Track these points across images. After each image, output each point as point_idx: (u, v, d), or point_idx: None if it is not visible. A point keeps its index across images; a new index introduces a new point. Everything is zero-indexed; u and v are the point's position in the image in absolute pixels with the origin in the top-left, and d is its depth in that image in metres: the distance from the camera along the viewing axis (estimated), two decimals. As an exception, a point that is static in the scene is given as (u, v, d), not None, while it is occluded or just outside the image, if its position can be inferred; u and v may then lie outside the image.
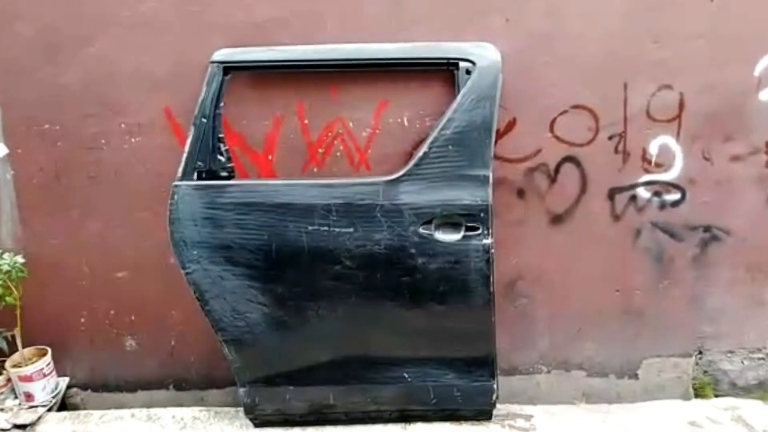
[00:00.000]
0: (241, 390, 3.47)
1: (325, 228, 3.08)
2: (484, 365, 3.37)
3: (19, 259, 3.56)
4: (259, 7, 3.37)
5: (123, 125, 3.53)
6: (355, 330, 3.32)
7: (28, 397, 3.74)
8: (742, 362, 3.88)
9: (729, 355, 3.87)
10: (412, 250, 3.09)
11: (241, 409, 3.56)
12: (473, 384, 3.40)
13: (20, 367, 3.72)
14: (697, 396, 3.89)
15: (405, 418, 3.54)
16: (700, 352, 3.86)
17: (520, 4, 3.36)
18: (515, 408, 3.71)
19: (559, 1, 3.37)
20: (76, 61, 3.49)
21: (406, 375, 3.40)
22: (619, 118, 3.45)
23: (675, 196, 3.57)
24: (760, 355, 3.87)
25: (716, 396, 3.88)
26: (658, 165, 3.52)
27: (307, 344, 3.35)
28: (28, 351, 3.78)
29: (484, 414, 3.54)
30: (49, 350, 3.82)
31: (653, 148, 3.50)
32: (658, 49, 3.39)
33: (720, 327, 3.83)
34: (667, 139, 3.49)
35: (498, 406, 3.52)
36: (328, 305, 3.25)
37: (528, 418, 3.60)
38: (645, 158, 3.51)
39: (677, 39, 3.38)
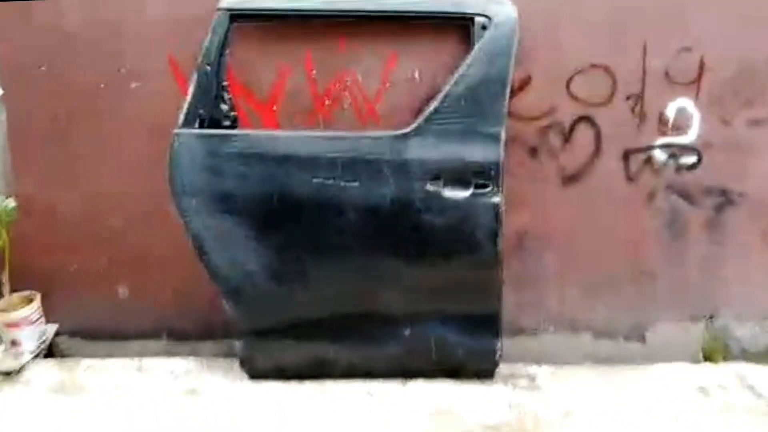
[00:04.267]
0: (238, 342, 3.83)
1: (330, 181, 3.38)
2: (489, 323, 3.72)
3: (11, 202, 3.88)
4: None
5: (123, 70, 3.82)
6: (357, 285, 3.66)
7: (14, 344, 4.04)
8: (754, 328, 4.23)
9: (740, 320, 4.23)
10: (419, 206, 3.40)
11: (237, 361, 3.90)
12: (476, 342, 3.77)
13: (6, 312, 4.00)
14: (706, 361, 4.23)
15: (405, 374, 3.89)
16: (711, 317, 4.20)
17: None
18: (519, 368, 4.04)
19: (580, -43, 3.62)
20: (77, 2, 3.78)
21: (407, 332, 3.76)
22: (637, 79, 3.76)
23: (691, 158, 3.90)
24: (772, 322, 4.22)
25: (726, 361, 4.23)
26: (675, 127, 3.84)
27: (308, 298, 3.69)
28: (15, 296, 4.10)
29: (486, 373, 3.88)
30: (38, 296, 4.12)
31: (671, 111, 3.81)
32: (679, 9, 3.69)
33: (732, 292, 4.16)
34: (686, 102, 3.80)
35: (501, 365, 3.86)
36: (330, 259, 3.59)
37: (532, 378, 3.95)
38: (662, 120, 3.83)
39: (700, -1, 3.69)
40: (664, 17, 3.72)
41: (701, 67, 3.77)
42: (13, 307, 4.06)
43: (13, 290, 4.11)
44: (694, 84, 3.80)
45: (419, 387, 3.89)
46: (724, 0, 3.72)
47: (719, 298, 4.21)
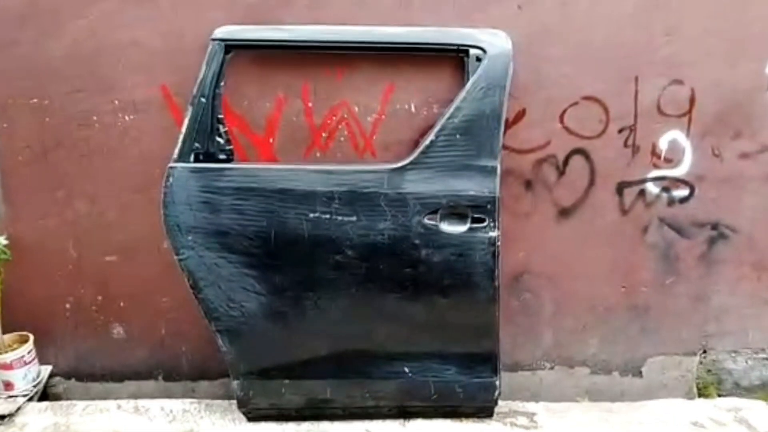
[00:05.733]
0: (235, 382, 3.61)
1: (327, 216, 3.26)
2: (487, 361, 3.57)
3: (2, 240, 3.70)
4: (263, -18, 3.53)
5: (116, 102, 3.67)
6: (355, 322, 3.50)
7: (8, 386, 3.87)
8: (746, 362, 4.17)
9: (733, 354, 4.16)
10: (416, 241, 3.28)
11: (234, 401, 3.71)
12: (475, 380, 3.60)
13: (-1, 354, 3.87)
14: (700, 395, 4.16)
15: (404, 414, 3.72)
16: (705, 351, 4.14)
17: (532, -8, 3.58)
18: (517, 405, 3.91)
19: (571, -9, 3.60)
20: (67, 33, 3.61)
21: (406, 370, 3.59)
22: (630, 112, 3.69)
23: (683, 192, 3.83)
24: (765, 356, 4.16)
25: (720, 396, 4.15)
26: (667, 160, 3.78)
27: (305, 336, 3.52)
28: (8, 337, 3.91)
29: (485, 411, 3.73)
30: (31, 337, 3.94)
31: (663, 143, 3.75)
32: (669, 42, 3.62)
33: (725, 326, 4.10)
34: (677, 135, 3.74)
35: (500, 403, 3.72)
36: (327, 296, 3.42)
37: (530, 416, 3.81)
38: (654, 153, 3.76)
39: (690, 34, 3.63)
40: (655, 50, 3.65)
41: (692, 99, 3.70)
42: (6, 348, 3.89)
43: (5, 331, 3.92)
44: (685, 116, 3.73)
45: (419, 426, 3.71)
46: (714, 33, 3.64)
47: (712, 331, 4.14)
